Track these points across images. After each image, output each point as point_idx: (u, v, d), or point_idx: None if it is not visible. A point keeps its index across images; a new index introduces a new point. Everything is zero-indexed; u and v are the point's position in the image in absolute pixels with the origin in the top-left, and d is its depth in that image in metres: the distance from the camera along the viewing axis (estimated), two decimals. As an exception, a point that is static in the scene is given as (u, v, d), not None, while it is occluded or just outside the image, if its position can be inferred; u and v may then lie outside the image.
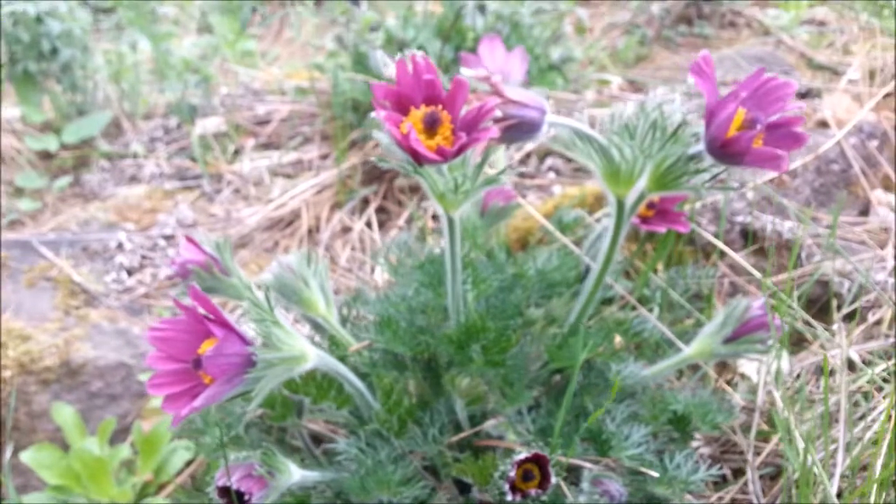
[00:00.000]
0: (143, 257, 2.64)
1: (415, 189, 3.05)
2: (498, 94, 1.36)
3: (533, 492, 1.28)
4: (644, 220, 1.76)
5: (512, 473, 1.28)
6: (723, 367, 2.06)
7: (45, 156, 3.17)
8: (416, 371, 1.71)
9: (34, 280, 2.51)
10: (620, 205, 1.55)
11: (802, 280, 2.09)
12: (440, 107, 1.22)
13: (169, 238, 2.72)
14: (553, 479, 1.28)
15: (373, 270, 2.60)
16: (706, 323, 1.89)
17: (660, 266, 2.13)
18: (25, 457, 2.02)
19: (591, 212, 2.30)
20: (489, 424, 1.64)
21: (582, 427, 1.61)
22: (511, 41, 2.97)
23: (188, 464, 2.11)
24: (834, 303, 1.99)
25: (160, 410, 2.26)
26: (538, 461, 1.31)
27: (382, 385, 1.49)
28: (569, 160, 2.88)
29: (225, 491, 1.28)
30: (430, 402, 1.66)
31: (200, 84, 3.30)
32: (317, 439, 2.00)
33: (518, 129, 1.40)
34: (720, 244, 1.96)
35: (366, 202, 2.99)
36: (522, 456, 1.29)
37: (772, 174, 2.30)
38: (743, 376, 1.97)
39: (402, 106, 1.23)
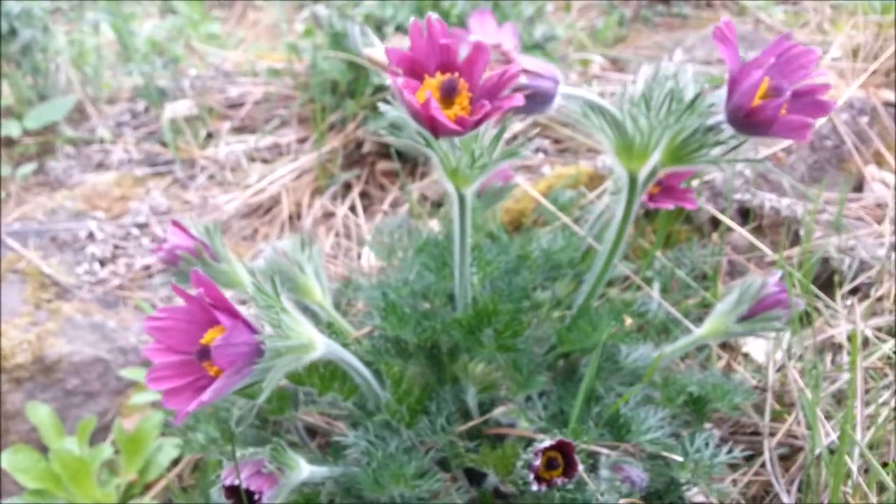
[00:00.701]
0: (116, 247, 2.52)
1: (397, 173, 2.97)
2: (509, 62, 1.28)
3: (559, 480, 1.22)
4: (650, 197, 1.71)
5: (536, 462, 1.22)
6: (724, 347, 2.02)
7: (7, 143, 3.01)
8: (419, 358, 1.63)
9: (2, 273, 2.37)
10: (633, 180, 1.49)
11: (802, 258, 2.06)
12: (456, 74, 1.14)
13: (142, 226, 2.60)
14: (580, 467, 1.22)
15: (359, 257, 2.51)
16: (712, 303, 1.86)
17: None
18: (1, 460, 1.90)
19: (585, 193, 2.25)
20: (499, 412, 1.58)
21: (595, 412, 1.56)
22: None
23: (174, 462, 2.01)
24: (836, 279, 1.96)
25: (141, 407, 2.16)
26: (561, 448, 1.25)
27: (391, 373, 1.41)
28: (556, 140, 2.82)
29: (233, 490, 1.19)
30: (434, 390, 1.59)
31: (168, 65, 3.16)
32: (311, 433, 1.91)
33: (531, 100, 1.32)
34: (730, 222, 1.92)
35: (348, 187, 2.89)
36: (546, 443, 1.23)
37: (769, 150, 2.27)
38: (747, 356, 1.94)
39: (415, 73, 1.15)
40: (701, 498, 1.62)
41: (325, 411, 1.90)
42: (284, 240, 1.72)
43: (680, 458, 1.37)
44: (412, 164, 2.97)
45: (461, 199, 1.35)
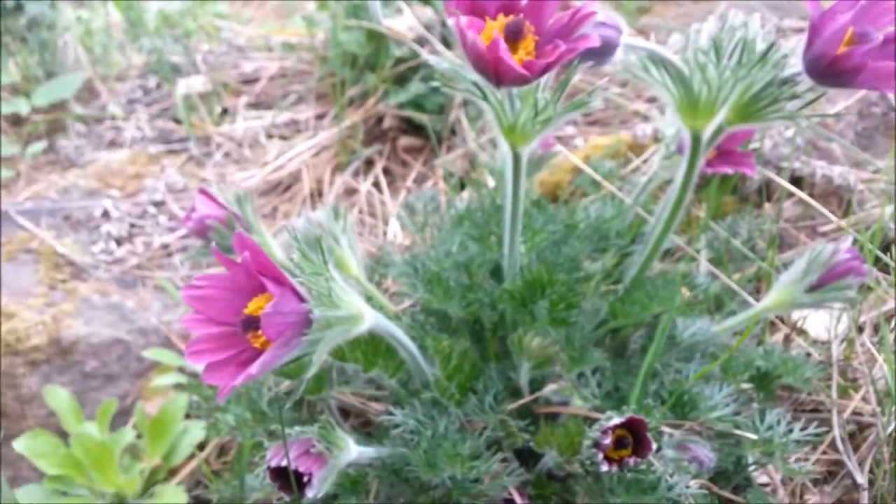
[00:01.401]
0: (133, 226, 2.42)
1: (420, 149, 2.87)
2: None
3: (630, 460, 1.13)
4: (707, 162, 1.60)
5: (606, 441, 1.12)
6: (772, 324, 1.92)
7: (15, 121, 2.91)
8: (462, 334, 1.54)
9: (13, 253, 2.27)
10: (696, 140, 1.39)
11: (856, 227, 1.96)
12: (521, 16, 1.04)
13: (159, 204, 2.50)
14: (654, 446, 1.12)
15: (385, 234, 2.41)
16: (769, 274, 1.76)
17: (702, 216, 1.99)
18: (19, 445, 1.81)
19: (625, 163, 2.14)
20: (549, 390, 1.48)
21: (652, 389, 1.46)
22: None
23: (200, 447, 1.92)
24: (893, 249, 1.86)
25: (164, 390, 2.06)
26: (631, 426, 1.15)
27: (440, 349, 1.31)
28: (585, 113, 2.71)
29: (279, 472, 1.10)
30: (479, 367, 1.50)
31: (180, 40, 3.05)
32: (344, 413, 1.83)
33: (593, 51, 1.23)
34: (792, 187, 1.81)
35: (369, 164, 2.79)
36: (615, 421, 1.14)
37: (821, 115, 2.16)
38: (800, 330, 1.84)
39: (475, 15, 1.05)
40: (764, 478, 1.52)
41: (359, 391, 1.82)
42: (318, 210, 1.62)
43: (754, 437, 1.28)
44: (435, 140, 2.87)
45: (516, 158, 1.25)
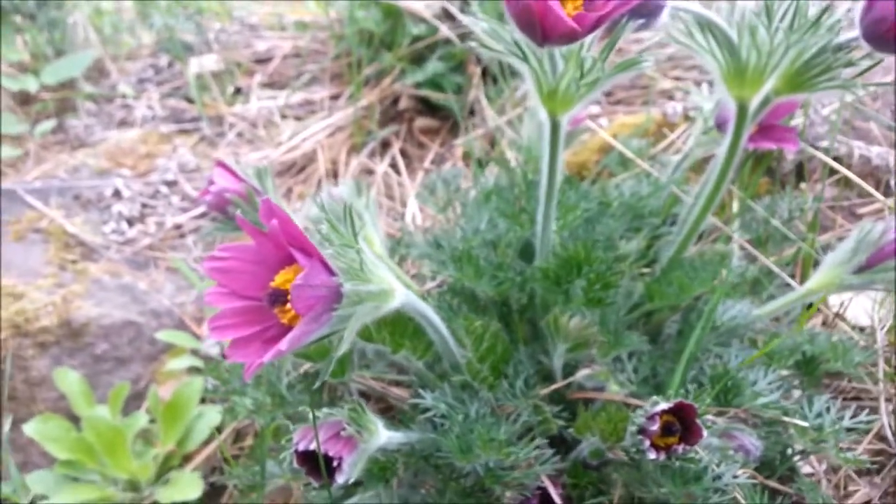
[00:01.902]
0: (144, 206, 2.36)
1: (437, 130, 2.80)
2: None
3: (679, 448, 1.06)
4: (747, 137, 1.53)
5: (653, 427, 1.05)
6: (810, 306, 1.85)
7: (24, 100, 2.84)
8: (491, 315, 1.47)
9: (22, 232, 2.21)
10: (742, 111, 1.32)
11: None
12: (569, -30, 0.96)
13: (171, 184, 2.43)
14: (704, 433, 1.05)
15: (403, 216, 2.34)
16: (811, 255, 1.69)
17: (735, 197, 1.91)
18: (29, 429, 1.75)
19: (654, 142, 2.07)
20: (582, 374, 1.42)
21: (690, 374, 1.39)
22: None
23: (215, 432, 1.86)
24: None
25: (177, 374, 2.00)
26: (679, 412, 1.09)
27: (472, 329, 1.25)
28: (607, 93, 2.63)
29: (307, 457, 1.03)
30: (511, 349, 1.43)
31: (192, 18, 2.98)
32: (364, 398, 1.76)
33: (638, 12, 1.16)
34: (836, 165, 1.74)
35: (385, 145, 2.72)
36: (662, 406, 1.07)
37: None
38: (839, 315, 1.76)
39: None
40: (806, 469, 1.46)
41: (379, 375, 1.75)
42: (340, 185, 1.56)
43: (805, 424, 1.21)
44: (452, 121, 2.79)
45: (555, 127, 1.18)
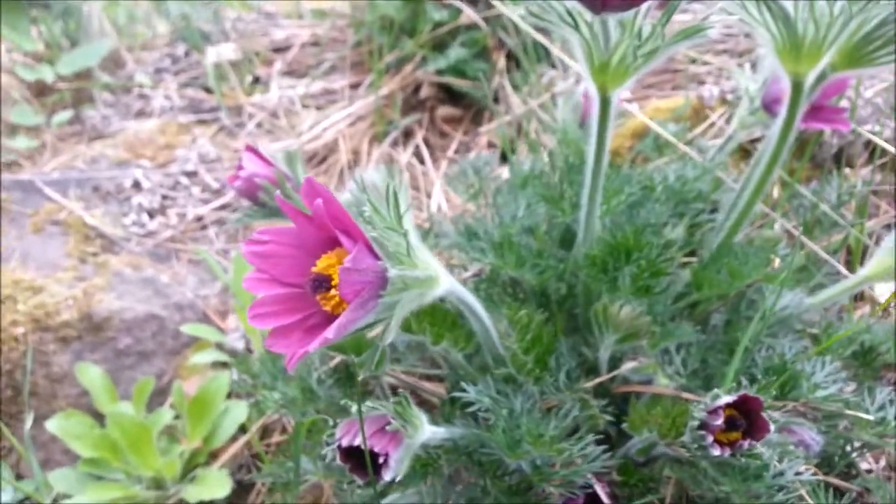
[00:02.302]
0: (165, 197, 2.31)
1: (459, 119, 2.73)
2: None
3: (745, 443, 1.00)
4: (796, 117, 1.46)
5: (717, 422, 0.99)
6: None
7: (40, 91, 2.80)
8: (531, 305, 1.41)
9: (40, 224, 2.17)
10: (797, 87, 1.25)
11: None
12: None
13: (191, 175, 2.38)
14: (771, 427, 0.99)
15: (429, 206, 2.28)
16: (860, 242, 1.62)
17: (777, 182, 1.84)
18: (52, 426, 1.71)
19: (691, 127, 2.00)
20: (628, 367, 1.36)
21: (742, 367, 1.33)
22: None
23: (241, 429, 1.80)
24: None
25: (202, 368, 1.95)
26: (742, 405, 1.02)
27: (517, 319, 1.18)
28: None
29: (350, 452, 0.98)
30: (557, 340, 1.37)
31: (209, 6, 2.93)
32: (394, 393, 1.71)
33: (694, -17, 1.09)
34: (888, 146, 1.66)
35: (407, 134, 2.66)
36: (725, 399, 1.00)
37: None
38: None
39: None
40: (863, 465, 1.39)
41: (410, 369, 1.70)
42: (372, 171, 1.50)
43: (868, 417, 1.14)
44: (475, 110, 2.73)
45: (605, 104, 1.12)
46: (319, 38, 2.96)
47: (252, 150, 1.35)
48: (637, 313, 1.16)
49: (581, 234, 1.32)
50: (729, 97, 2.01)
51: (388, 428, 0.99)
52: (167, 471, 1.69)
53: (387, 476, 0.96)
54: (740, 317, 1.43)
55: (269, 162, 1.35)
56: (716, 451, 1.00)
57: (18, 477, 1.87)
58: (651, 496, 1.24)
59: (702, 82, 2.35)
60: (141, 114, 2.73)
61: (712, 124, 1.98)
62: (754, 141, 1.98)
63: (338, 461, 0.98)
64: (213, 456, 1.78)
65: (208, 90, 2.78)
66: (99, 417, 1.81)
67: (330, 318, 0.92)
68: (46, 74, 2.68)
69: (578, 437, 1.09)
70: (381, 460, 0.96)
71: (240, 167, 1.33)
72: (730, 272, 1.33)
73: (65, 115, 2.65)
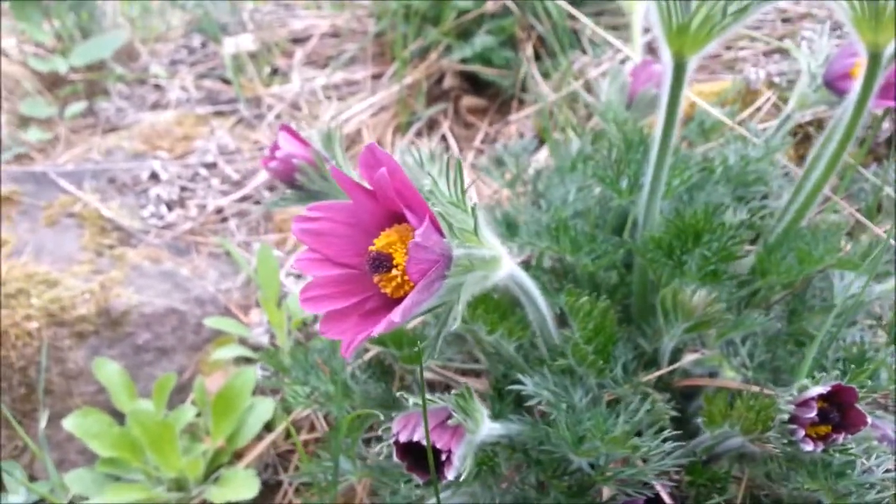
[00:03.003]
0: (183, 189, 2.22)
1: (484, 110, 2.65)
2: None
3: (839, 437, 0.91)
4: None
5: (810, 415, 0.90)
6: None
7: (52, 83, 2.72)
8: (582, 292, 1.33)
9: (54, 217, 2.09)
10: (875, 60, 1.16)
11: None
12: None
13: (210, 167, 2.30)
14: (869, 420, 0.90)
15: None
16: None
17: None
18: (69, 424, 1.62)
19: (738, 110, 1.91)
20: (689, 360, 1.27)
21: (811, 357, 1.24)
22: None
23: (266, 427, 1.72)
24: None
25: (224, 364, 1.87)
26: (833, 397, 0.93)
27: (578, 306, 1.10)
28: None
29: (408, 449, 0.89)
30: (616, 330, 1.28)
31: (226, -3, 2.85)
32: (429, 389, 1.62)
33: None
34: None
35: (432, 125, 2.57)
36: (816, 391, 0.92)
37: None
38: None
39: None
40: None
41: (445, 364, 1.62)
42: (415, 150, 1.41)
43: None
44: (501, 101, 2.65)
45: (679, 70, 1.03)
46: (339, 29, 2.88)
47: (288, 129, 1.27)
48: (711, 299, 1.07)
49: (642, 216, 1.23)
50: (776, 79, 1.92)
51: (449, 422, 0.90)
52: (190, 471, 1.60)
53: (450, 475, 0.87)
54: (805, 306, 1.34)
55: (305, 142, 1.27)
56: (808, 447, 0.91)
57: (31, 478, 1.79)
58: (719, 497, 1.16)
59: (739, 70, 2.27)
60: (157, 106, 2.64)
61: (759, 108, 1.89)
62: (801, 126, 1.89)
63: (394, 458, 0.89)
64: (237, 455, 1.70)
65: (226, 81, 2.70)
66: (117, 416, 1.72)
67: (389, 301, 0.84)
68: (59, 66, 2.60)
69: (654, 434, 1.00)
70: (443, 457, 0.87)
71: (275, 147, 1.24)
72: (799, 257, 1.24)
73: (78, 106, 2.57)
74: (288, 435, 1.74)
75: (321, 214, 0.84)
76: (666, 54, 1.01)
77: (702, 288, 1.15)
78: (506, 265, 0.94)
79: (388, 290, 0.82)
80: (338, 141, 1.29)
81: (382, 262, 0.80)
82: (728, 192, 1.38)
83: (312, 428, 1.72)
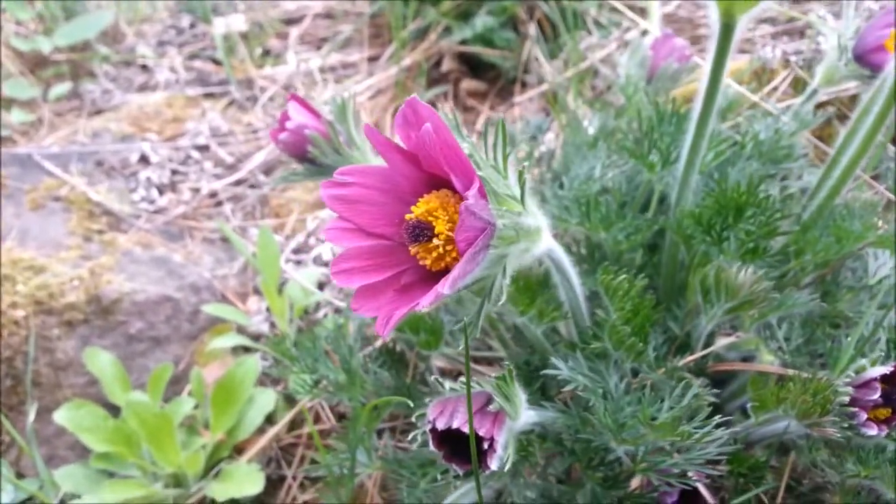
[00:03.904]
0: (175, 172, 2.13)
1: (484, 93, 2.57)
2: None
3: (903, 421, 0.85)
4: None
5: (872, 397, 0.84)
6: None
7: (35, 64, 2.61)
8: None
9: (39, 200, 1.99)
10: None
11: None
12: None
13: (203, 149, 2.21)
14: (937, 402, 0.84)
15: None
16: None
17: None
18: (60, 417, 1.53)
19: (755, 89, 1.85)
20: (723, 343, 1.20)
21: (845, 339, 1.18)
22: None
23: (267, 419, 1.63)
24: None
25: (221, 354, 1.78)
26: (892, 379, 0.87)
27: (615, 286, 1.03)
28: (694, 40, 2.41)
29: (445, 437, 0.81)
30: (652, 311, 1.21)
31: (216, -24, 2.75)
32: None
33: None
34: None
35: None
36: (877, 371, 0.85)
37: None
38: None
39: None
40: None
41: (457, 352, 1.54)
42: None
43: None
44: (501, 84, 2.57)
45: (726, 32, 0.96)
46: (333, 10, 2.79)
47: (298, 99, 1.19)
48: (757, 277, 1.00)
49: (675, 191, 1.16)
50: (792, 58, 1.86)
51: (490, 408, 0.82)
52: (189, 466, 1.52)
53: (493, 464, 0.80)
54: (840, 286, 1.28)
55: (317, 113, 1.19)
56: (871, 431, 0.85)
57: (19, 475, 1.69)
58: (755, 487, 1.10)
59: (745, 51, 2.21)
60: (144, 87, 2.54)
61: (775, 88, 1.83)
62: (820, 105, 1.83)
63: (432, 447, 0.82)
64: (238, 450, 1.61)
65: (217, 62, 2.60)
66: (110, 409, 1.63)
67: (427, 275, 0.76)
68: (43, 45, 2.49)
69: (703, 420, 0.93)
70: (485, 445, 0.80)
71: (285, 118, 1.16)
72: (836, 234, 1.18)
73: (62, 88, 2.46)
74: (291, 427, 1.66)
75: (352, 179, 0.76)
76: (714, 14, 0.94)
77: (744, 266, 1.08)
78: (545, 237, 0.87)
79: (427, 262, 0.74)
80: (352, 111, 1.22)
81: (423, 231, 0.73)
82: (760, 167, 1.32)
83: (317, 419, 1.64)
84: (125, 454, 1.52)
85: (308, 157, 1.16)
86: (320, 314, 1.80)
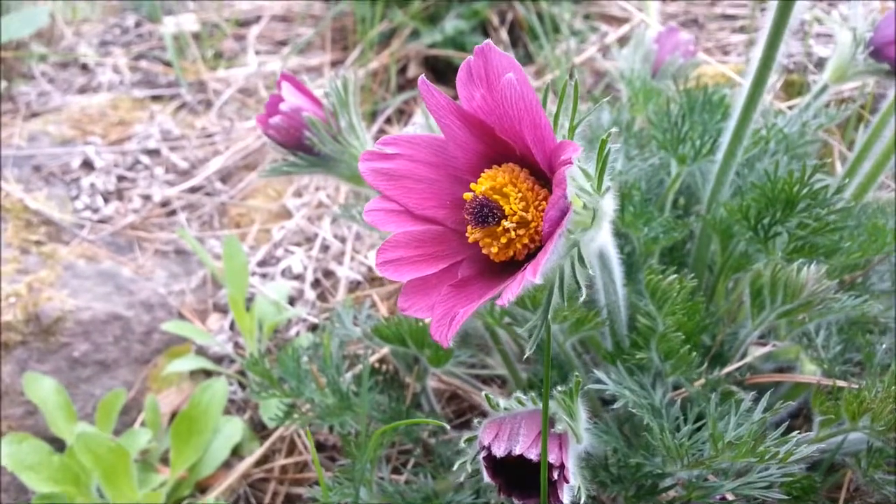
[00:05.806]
0: (122, 178, 1.93)
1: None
2: None
3: None
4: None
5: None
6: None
7: (-42, 63, 2.37)
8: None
9: (-32, 209, 1.76)
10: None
11: None
12: None
13: (153, 154, 2.01)
14: None
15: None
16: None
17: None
18: (-4, 453, 1.32)
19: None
20: (761, 353, 1.10)
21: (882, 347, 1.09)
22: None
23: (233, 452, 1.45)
24: None
25: (176, 379, 1.59)
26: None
27: (664, 287, 0.90)
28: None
29: (500, 466, 0.67)
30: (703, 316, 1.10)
31: (164, -26, 2.57)
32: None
33: None
34: None
35: (399, 115, 2.36)
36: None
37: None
38: None
39: None
40: None
41: (454, 372, 1.41)
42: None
43: None
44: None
45: (784, 10, 0.86)
46: (290, 11, 2.64)
47: (291, 79, 1.04)
48: (821, 275, 0.90)
49: (711, 184, 1.06)
50: (784, 61, 1.80)
51: (555, 430, 0.69)
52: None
53: (566, 498, 0.66)
54: (868, 289, 1.20)
55: (313, 96, 1.04)
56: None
57: (-59, 523, 1.46)
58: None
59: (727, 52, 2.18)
60: (86, 89, 2.33)
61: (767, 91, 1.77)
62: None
63: (486, 478, 0.67)
64: (201, 488, 1.42)
65: (165, 63, 2.42)
66: (53, 443, 1.42)
67: (489, 266, 0.63)
68: (-31, 41, 2.25)
69: (781, 438, 0.81)
70: (555, 475, 0.66)
71: (277, 100, 1.01)
72: (871, 232, 1.10)
73: (-7, 87, 2.23)
74: (261, 461, 1.48)
75: (398, 150, 0.62)
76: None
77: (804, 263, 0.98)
78: (605, 224, 0.74)
79: (492, 250, 0.61)
80: (352, 92, 1.07)
81: (491, 212, 0.59)
82: (789, 162, 1.23)
83: (292, 451, 1.47)
84: (73, 494, 1.32)
85: (304, 144, 1.01)
86: (292, 332, 1.63)
